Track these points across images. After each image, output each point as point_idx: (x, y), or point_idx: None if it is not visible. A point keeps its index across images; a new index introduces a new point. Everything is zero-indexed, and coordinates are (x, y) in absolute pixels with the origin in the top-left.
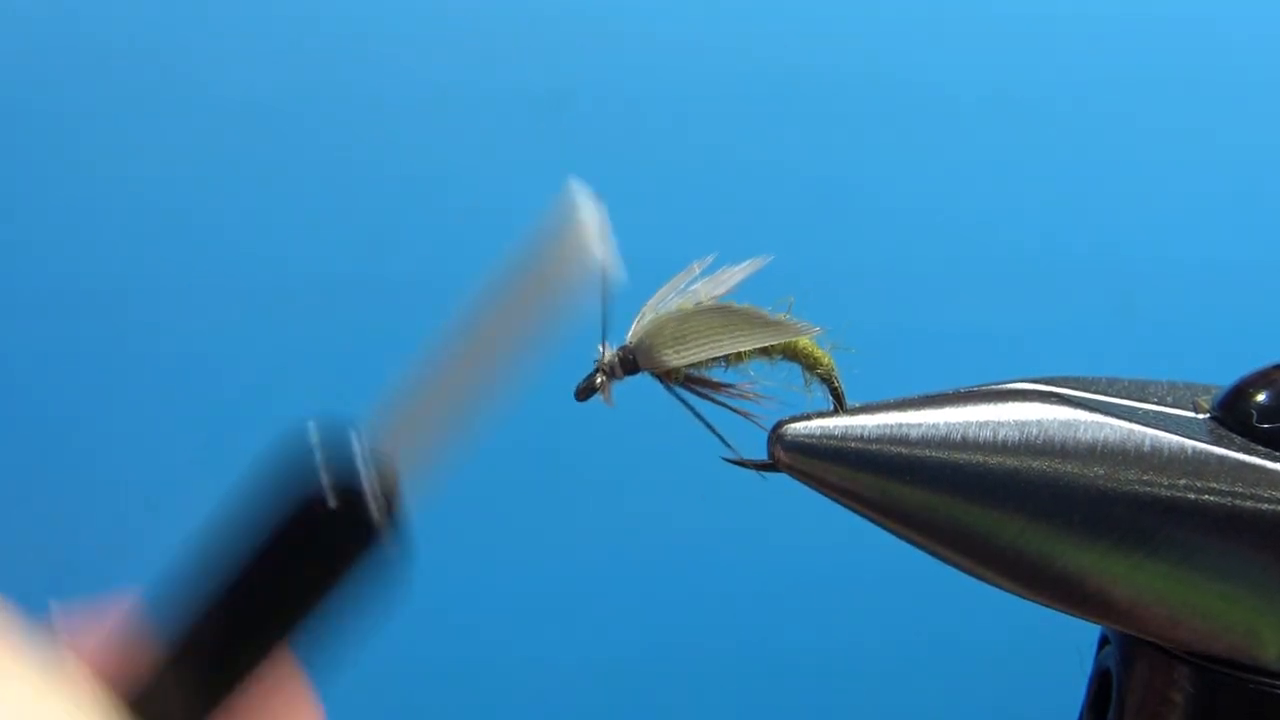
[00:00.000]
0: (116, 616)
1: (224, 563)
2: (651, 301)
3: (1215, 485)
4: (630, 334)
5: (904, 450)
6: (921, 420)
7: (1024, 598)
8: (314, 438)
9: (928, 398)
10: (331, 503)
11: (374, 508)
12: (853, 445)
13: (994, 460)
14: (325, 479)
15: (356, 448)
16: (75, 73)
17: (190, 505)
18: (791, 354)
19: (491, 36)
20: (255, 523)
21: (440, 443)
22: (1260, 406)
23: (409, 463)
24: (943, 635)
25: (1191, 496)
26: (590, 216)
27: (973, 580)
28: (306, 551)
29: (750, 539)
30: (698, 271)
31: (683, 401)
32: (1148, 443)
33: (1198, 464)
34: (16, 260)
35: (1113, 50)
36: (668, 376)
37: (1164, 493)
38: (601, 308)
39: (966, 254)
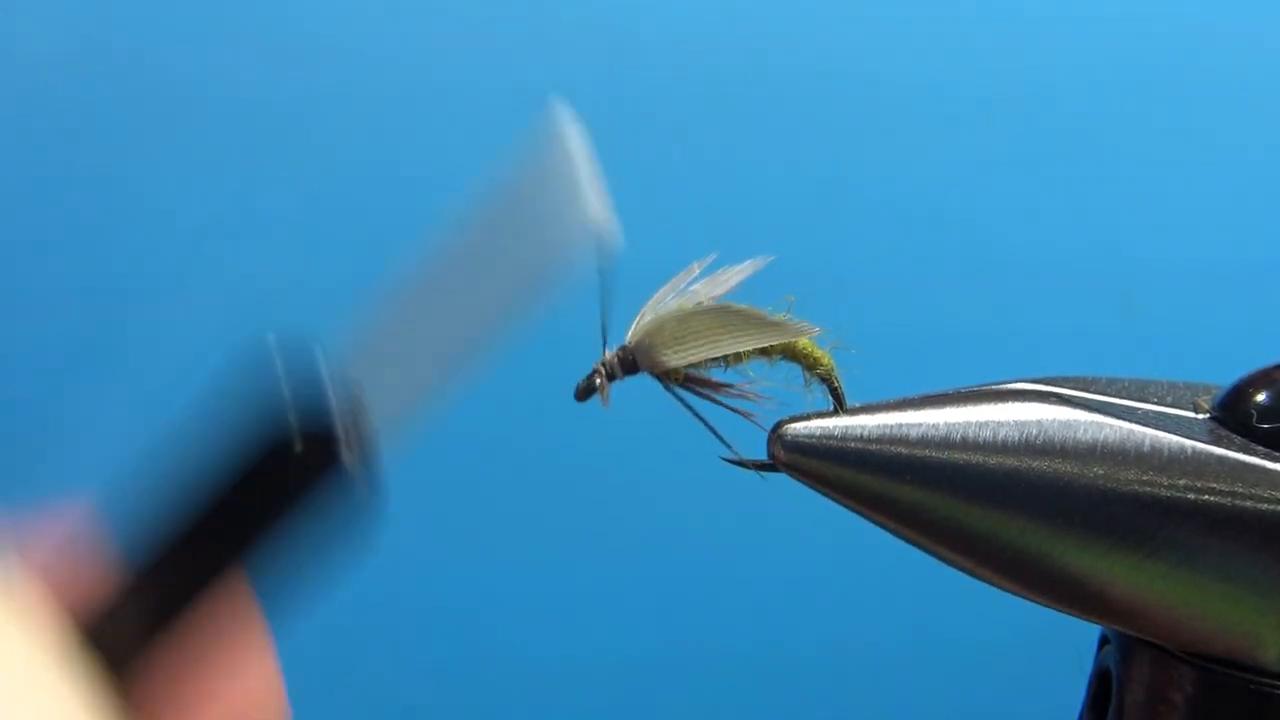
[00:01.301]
0: (68, 525)
1: (183, 485)
2: (651, 301)
3: (1215, 485)
4: (630, 334)
5: (904, 450)
6: (921, 420)
7: (1024, 598)
8: (279, 361)
9: (927, 398)
10: (298, 445)
11: (343, 448)
12: (852, 445)
13: (994, 460)
14: (293, 416)
15: (324, 376)
16: (75, 73)
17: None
18: (791, 354)
19: (489, 36)
20: (216, 446)
21: (415, 381)
22: (1260, 407)
23: (380, 398)
24: (943, 635)
25: (1191, 497)
26: (578, 145)
27: (973, 580)
28: (270, 486)
29: (750, 539)
30: (697, 272)
31: (682, 402)
32: (1147, 443)
33: (1198, 464)
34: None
35: (1113, 50)
36: (667, 377)
37: (1164, 493)
38: (600, 265)
39: (966, 254)
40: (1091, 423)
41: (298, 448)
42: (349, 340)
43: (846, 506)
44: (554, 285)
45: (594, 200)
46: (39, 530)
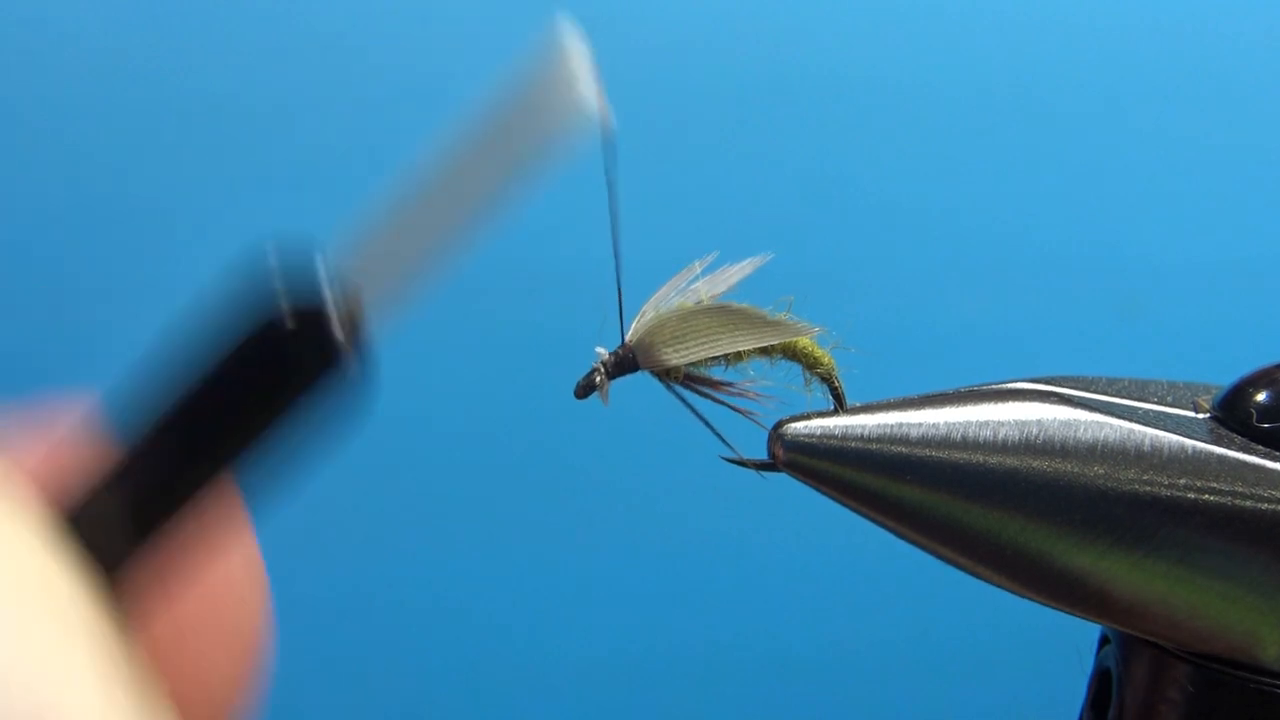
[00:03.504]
0: (62, 421)
1: (176, 380)
2: (652, 300)
3: (1215, 485)
4: (630, 332)
5: (904, 450)
6: (922, 420)
7: (1024, 597)
8: (274, 257)
9: (928, 397)
10: (290, 323)
11: (335, 330)
12: (853, 445)
13: (994, 460)
14: (284, 298)
15: (319, 268)
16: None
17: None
18: (791, 353)
19: (486, 34)
20: (210, 341)
21: (410, 272)
22: (1260, 406)
23: (375, 289)
24: (943, 635)
25: (1191, 496)
26: (580, 56)
27: (973, 580)
28: (262, 374)
29: (750, 539)
30: (699, 270)
31: (683, 400)
32: (1148, 442)
33: (1198, 463)
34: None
35: (1114, 50)
36: (667, 375)
37: (1164, 492)
38: (608, 176)
39: (967, 253)
40: (1092, 422)
41: (289, 324)
42: (346, 232)
43: (847, 506)
44: (547, 169)
45: (591, 93)
46: (32, 422)
